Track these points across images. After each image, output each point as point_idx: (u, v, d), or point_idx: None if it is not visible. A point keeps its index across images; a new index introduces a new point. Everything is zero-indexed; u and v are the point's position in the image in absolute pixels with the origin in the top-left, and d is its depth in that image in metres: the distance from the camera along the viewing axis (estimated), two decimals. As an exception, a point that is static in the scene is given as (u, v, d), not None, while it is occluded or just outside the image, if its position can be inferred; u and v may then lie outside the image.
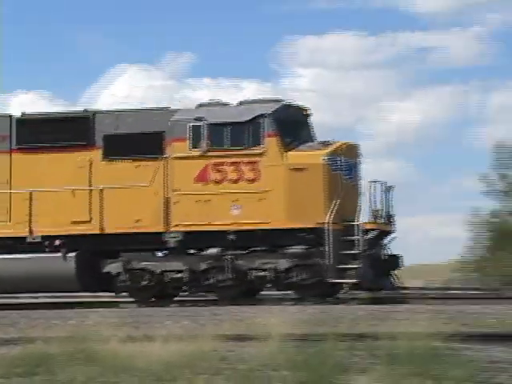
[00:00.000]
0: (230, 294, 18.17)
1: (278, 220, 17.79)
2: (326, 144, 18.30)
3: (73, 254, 18.68)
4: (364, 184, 18.58)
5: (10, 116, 19.79)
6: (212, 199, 18.19)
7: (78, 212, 18.92)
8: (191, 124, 18.41)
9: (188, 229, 18.24)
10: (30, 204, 19.14)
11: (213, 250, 18.07)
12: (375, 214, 17.94)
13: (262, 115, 18.09)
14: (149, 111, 19.26)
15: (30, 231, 19.11)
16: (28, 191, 19.14)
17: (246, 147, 18.14)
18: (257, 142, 18.08)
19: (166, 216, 18.39)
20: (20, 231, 19.19)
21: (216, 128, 18.25)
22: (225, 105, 18.95)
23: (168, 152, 18.57)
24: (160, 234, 18.42)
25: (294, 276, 17.77)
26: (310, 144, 18.41)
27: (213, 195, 18.19)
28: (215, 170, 18.27)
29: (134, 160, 18.86)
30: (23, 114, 19.80)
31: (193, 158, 18.37)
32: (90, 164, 19.10)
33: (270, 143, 18.02)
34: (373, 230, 17.84)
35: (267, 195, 17.90)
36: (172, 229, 18.34)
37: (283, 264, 17.84)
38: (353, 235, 17.66)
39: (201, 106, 18.98)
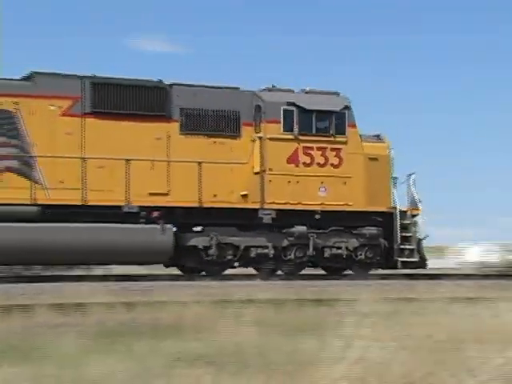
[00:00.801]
0: (301, 270, 19.62)
1: (359, 203, 19.79)
2: (380, 138, 20.69)
3: (170, 226, 18.14)
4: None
5: (82, 77, 18.15)
6: (301, 180, 19.37)
7: (157, 184, 18.40)
8: (284, 107, 19.34)
9: (280, 207, 19.12)
10: (128, 172, 17.98)
11: (301, 228, 19.28)
12: (418, 201, 20.83)
13: (346, 107, 19.84)
14: (224, 89, 19.44)
15: (128, 200, 17.93)
16: (116, 159, 17.94)
17: (331, 135, 19.69)
18: (341, 131, 19.79)
19: (261, 193, 18.97)
20: (99, 199, 17.88)
21: (307, 114, 19.46)
22: (292, 91, 20.00)
23: (252, 132, 19.26)
24: (251, 210, 18.93)
25: (361, 254, 19.92)
26: (368, 136, 20.59)
27: (303, 177, 19.38)
28: (305, 153, 19.51)
29: (211, 136, 19.00)
30: (96, 77, 18.28)
31: (285, 140, 19.36)
32: (168, 136, 18.66)
33: (351, 133, 19.91)
34: (417, 214, 20.86)
35: (349, 180, 19.75)
36: (266, 206, 19.00)
37: (353, 243, 19.89)
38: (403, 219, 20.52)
39: (272, 90, 19.80)
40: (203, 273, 19.02)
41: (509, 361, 7.07)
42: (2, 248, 16.84)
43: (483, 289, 14.31)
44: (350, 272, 20.07)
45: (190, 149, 18.72)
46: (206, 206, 18.68)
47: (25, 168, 17.58)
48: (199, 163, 18.62)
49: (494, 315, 10.27)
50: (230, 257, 19.00)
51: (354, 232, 19.90)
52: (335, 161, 19.80)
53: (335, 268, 20.08)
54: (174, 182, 18.55)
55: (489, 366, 6.91)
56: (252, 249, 19.12)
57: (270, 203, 19.13)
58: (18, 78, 18.21)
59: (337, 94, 20.38)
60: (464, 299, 12.03)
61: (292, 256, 19.43)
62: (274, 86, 19.99)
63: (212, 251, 18.74)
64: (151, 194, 18.35)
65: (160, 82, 18.89)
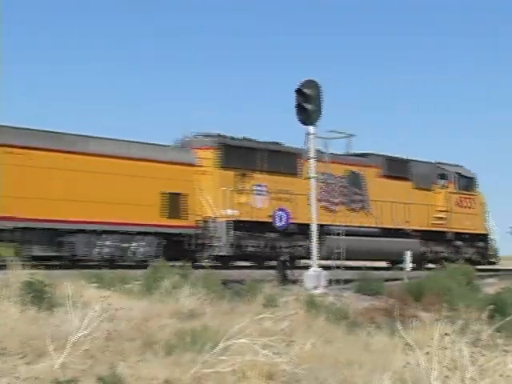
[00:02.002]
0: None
1: (480, 228, 36.31)
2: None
3: (417, 240, 33.46)
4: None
5: (380, 155, 33.23)
6: (462, 216, 35.35)
7: (406, 216, 33.36)
8: (455, 175, 35.58)
9: (456, 230, 35.18)
10: (407, 210, 33.29)
11: (460, 242, 35.45)
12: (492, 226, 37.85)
13: (475, 174, 36.70)
14: (426, 163, 35.01)
15: (407, 225, 33.33)
16: (399, 202, 33.06)
17: (471, 190, 36.25)
18: (474, 188, 36.53)
19: (448, 223, 35.05)
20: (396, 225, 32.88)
21: (464, 179, 35.90)
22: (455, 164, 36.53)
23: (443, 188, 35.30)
24: (442, 232, 34.83)
25: (475, 256, 36.03)
26: None
27: (462, 214, 35.42)
28: (462, 200, 35.70)
29: (424, 189, 34.48)
30: (385, 155, 33.31)
31: (455, 193, 35.49)
32: (410, 189, 33.83)
33: (477, 189, 36.61)
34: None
35: (477, 216, 36.20)
36: (452, 230, 35.14)
37: (473, 250, 36.12)
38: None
39: (441, 163, 35.92)
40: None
41: None
42: (358, 251, 30.04)
43: None
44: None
45: (418, 197, 33.89)
46: (432, 229, 34.31)
47: (367, 207, 31.98)
48: (427, 205, 34.10)
49: None
50: (431, 258, 34.25)
51: (473, 244, 36.20)
52: (473, 205, 36.10)
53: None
54: (412, 215, 33.54)
55: None
56: (440, 253, 34.59)
57: (453, 228, 35.07)
58: (356, 153, 32.22)
59: (461, 166, 36.58)
60: None
61: (453, 257, 34.26)
62: (439, 162, 35.81)
63: (429, 255, 34.18)
64: (404, 222, 33.25)
65: (407, 159, 34.08)
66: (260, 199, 28.34)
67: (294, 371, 9.77)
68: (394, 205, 32.67)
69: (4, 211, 21.37)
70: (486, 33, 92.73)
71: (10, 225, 21.49)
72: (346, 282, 23.25)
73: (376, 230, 31.98)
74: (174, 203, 25.94)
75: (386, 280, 23.43)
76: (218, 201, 26.79)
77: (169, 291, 15.47)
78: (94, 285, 15.73)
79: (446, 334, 8.65)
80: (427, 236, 34.17)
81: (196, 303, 14.68)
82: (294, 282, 21.90)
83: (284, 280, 22.77)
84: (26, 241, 21.87)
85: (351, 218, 30.80)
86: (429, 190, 34.79)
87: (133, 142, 25.76)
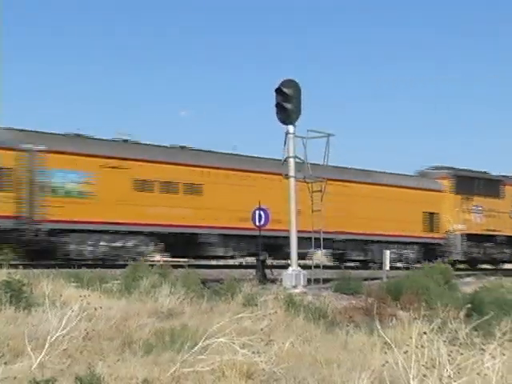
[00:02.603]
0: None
1: None
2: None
3: None
4: None
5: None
6: None
7: None
8: None
9: None
10: None
11: None
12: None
13: None
14: None
15: None
16: None
17: None
18: None
19: None
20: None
21: None
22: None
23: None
24: None
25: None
26: None
27: None
28: None
29: None
30: None
31: None
32: None
33: None
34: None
35: None
36: None
37: None
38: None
39: None
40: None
41: None
42: None
43: None
44: None
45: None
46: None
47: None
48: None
49: None
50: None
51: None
52: None
53: None
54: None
55: None
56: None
57: None
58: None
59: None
60: None
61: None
62: None
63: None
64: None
65: None
66: (478, 217, 38.62)
67: (273, 370, 9.78)
68: None
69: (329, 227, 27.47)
70: (486, 33, 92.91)
71: (331, 236, 29.66)
72: (325, 281, 23.22)
73: None
74: (430, 220, 36.64)
75: (365, 279, 23.42)
76: (453, 218, 36.35)
77: (148, 290, 15.54)
78: (74, 284, 15.86)
79: (424, 333, 8.72)
80: None
81: (175, 302, 14.67)
82: (273, 281, 21.88)
83: (263, 279, 22.74)
84: (346, 248, 31.69)
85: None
86: None
87: (401, 174, 36.34)
